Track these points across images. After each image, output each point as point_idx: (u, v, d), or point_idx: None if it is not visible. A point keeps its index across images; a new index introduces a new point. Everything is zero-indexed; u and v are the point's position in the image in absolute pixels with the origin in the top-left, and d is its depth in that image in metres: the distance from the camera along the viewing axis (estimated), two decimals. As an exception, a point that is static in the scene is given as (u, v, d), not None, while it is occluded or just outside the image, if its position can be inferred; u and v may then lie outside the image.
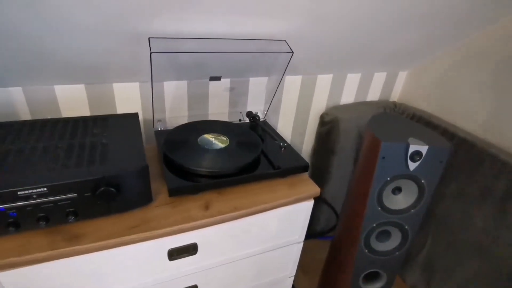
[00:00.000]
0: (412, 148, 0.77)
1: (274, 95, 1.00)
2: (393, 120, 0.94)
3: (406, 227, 0.88)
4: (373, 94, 1.43)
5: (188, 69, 0.96)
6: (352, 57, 1.18)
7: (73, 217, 0.57)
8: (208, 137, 0.82)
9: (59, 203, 0.56)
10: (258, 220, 0.74)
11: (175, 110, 1.05)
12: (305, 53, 1.07)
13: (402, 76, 1.45)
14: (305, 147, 1.42)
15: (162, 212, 0.66)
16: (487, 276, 1.09)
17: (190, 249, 0.69)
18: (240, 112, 1.04)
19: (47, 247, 0.55)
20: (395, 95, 1.50)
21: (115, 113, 0.97)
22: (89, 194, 0.57)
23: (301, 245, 0.88)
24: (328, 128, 1.31)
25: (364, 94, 1.41)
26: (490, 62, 1.11)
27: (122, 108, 0.97)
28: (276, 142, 0.80)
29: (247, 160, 0.75)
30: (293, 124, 1.32)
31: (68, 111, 0.91)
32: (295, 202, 0.76)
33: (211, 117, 1.12)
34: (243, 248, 0.78)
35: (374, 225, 0.88)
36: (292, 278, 0.95)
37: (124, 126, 0.76)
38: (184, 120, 1.08)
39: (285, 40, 0.85)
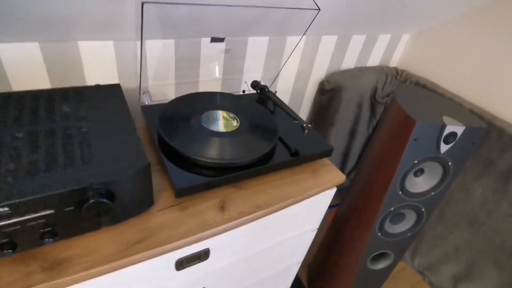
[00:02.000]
0: (448, 129, 0.69)
1: (287, 60, 0.84)
2: (418, 93, 0.84)
3: (423, 209, 0.84)
4: (374, 59, 1.32)
5: (179, 25, 0.75)
6: (364, 14, 1.03)
7: (51, 239, 0.41)
8: (216, 116, 0.66)
9: (28, 224, 0.40)
10: (280, 216, 0.63)
11: (160, 77, 0.85)
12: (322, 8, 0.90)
13: (404, 40, 1.34)
14: (302, 115, 1.30)
15: (170, 218, 0.52)
16: (478, 245, 1.13)
17: (202, 256, 0.57)
18: (245, 82, 0.87)
19: (19, 283, 0.40)
20: (394, 61, 1.40)
21: (83, 82, 0.76)
22: (72, 208, 0.41)
23: (315, 232, 0.80)
24: (328, 97, 1.19)
25: (365, 59, 1.29)
26: (499, 31, 1.03)
27: (92, 75, 0.75)
28: (296, 122, 0.66)
29: (266, 148, 0.61)
30: (291, 91, 1.17)
31: (18, 80, 0.68)
32: (321, 192, 0.66)
33: (202, 85, 0.94)
34: (258, 245, 0.68)
35: (392, 209, 0.82)
36: (300, 264, 0.89)
37: (105, 104, 0.57)
38: (171, 90, 0.90)
39: (308, -8, 0.67)
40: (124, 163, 0.45)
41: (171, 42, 0.81)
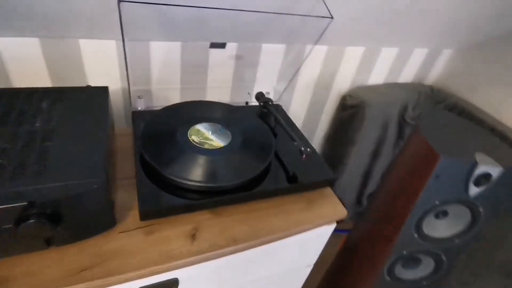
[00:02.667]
0: (481, 169, 0.57)
1: (297, 71, 0.76)
2: (450, 120, 0.71)
3: (443, 257, 0.71)
4: (407, 75, 1.19)
5: (183, 27, 0.71)
6: (396, 25, 0.92)
7: (-13, 257, 0.38)
8: (204, 130, 0.60)
9: (-40, 239, 0.36)
10: (263, 252, 0.55)
11: (165, 80, 0.81)
12: (339, 16, 0.81)
13: (445, 56, 1.19)
14: (319, 131, 1.20)
15: (131, 242, 0.46)
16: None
17: (169, 286, 0.51)
18: (248, 93, 0.81)
19: None
20: (431, 78, 1.25)
21: (84, 81, 0.73)
22: (10, 226, 0.37)
23: (310, 268, 0.71)
24: (350, 113, 1.09)
25: (396, 74, 1.16)
26: None
27: (93, 73, 0.73)
28: (296, 144, 0.58)
29: (255, 171, 0.54)
30: (309, 105, 1.08)
31: (18, 76, 0.67)
32: (315, 227, 0.57)
33: (210, 91, 0.88)
34: (240, 277, 0.60)
35: (405, 252, 0.70)
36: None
37: (85, 107, 0.53)
38: (176, 94, 0.85)
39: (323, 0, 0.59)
40: (78, 177, 0.40)
41: (177, 45, 0.76)
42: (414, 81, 1.22)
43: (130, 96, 0.65)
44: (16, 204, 0.35)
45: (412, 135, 0.67)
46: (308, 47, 0.91)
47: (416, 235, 0.67)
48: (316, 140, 1.22)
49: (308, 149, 0.56)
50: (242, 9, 0.59)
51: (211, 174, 0.52)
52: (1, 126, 0.45)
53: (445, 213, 0.67)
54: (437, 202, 0.61)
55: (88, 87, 0.62)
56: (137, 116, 0.65)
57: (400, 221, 0.65)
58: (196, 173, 0.51)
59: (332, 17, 0.57)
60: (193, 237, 0.49)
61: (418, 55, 1.12)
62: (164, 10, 0.64)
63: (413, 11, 0.87)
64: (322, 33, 0.61)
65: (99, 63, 0.72)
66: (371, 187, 1.33)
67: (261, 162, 0.56)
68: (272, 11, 0.63)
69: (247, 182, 0.53)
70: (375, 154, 1.22)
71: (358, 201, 1.40)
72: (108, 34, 0.69)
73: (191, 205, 0.50)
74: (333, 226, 0.61)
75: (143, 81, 0.77)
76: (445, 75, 1.21)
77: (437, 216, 0.67)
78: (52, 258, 0.42)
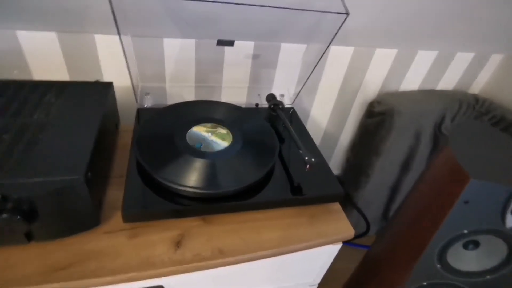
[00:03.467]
0: (522, 197, 0.47)
1: (311, 72, 0.70)
2: (488, 134, 0.61)
3: (472, 294, 0.61)
4: (447, 82, 1.06)
5: (196, 24, 0.68)
6: (435, 25, 0.82)
7: (-35, 247, 0.37)
8: (203, 130, 0.57)
9: None
10: (254, 267, 0.50)
11: (179, 78, 0.79)
12: (365, 14, 0.74)
13: (493, 62, 1.05)
14: (343, 138, 1.12)
15: (113, 244, 0.44)
16: None
17: (154, 292, 0.48)
18: (258, 95, 0.76)
19: None
20: (477, 86, 1.11)
21: (99, 75, 0.74)
22: (-14, 218, 0.36)
23: (315, 287, 0.65)
24: (377, 121, 1.00)
25: (434, 81, 1.05)
26: None
27: (107, 68, 0.73)
28: (301, 152, 0.53)
29: (253, 177, 0.50)
30: (332, 110, 1.01)
31: (38, 67, 0.69)
32: (315, 246, 0.51)
33: (225, 91, 0.86)
34: (233, 290, 0.56)
35: (425, 284, 0.61)
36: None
37: (84, 102, 0.52)
38: (190, 93, 0.84)
39: (340, -8, 0.53)
40: (57, 175, 0.39)
41: (191, 42, 0.75)
42: (456, 89, 1.09)
43: (134, 93, 0.64)
44: (-11, 197, 0.35)
45: (440, 149, 0.58)
46: (336, 48, 0.85)
47: (438, 265, 0.58)
48: (340, 148, 1.15)
49: (313, 159, 0.50)
50: (252, 3, 0.55)
51: (204, 179, 0.48)
52: (1, 116, 0.46)
53: (476, 244, 0.57)
54: (465, 231, 0.53)
55: (96, 82, 0.62)
56: (142, 113, 0.64)
57: (421, 246, 0.57)
58: (187, 177, 0.48)
59: (347, 13, 0.51)
60: (177, 244, 0.46)
61: (462, 60, 1.00)
62: (173, 5, 0.62)
63: (457, 8, 0.77)
64: (337, 31, 0.55)
65: (113, 59, 0.73)
66: (399, 202, 1.21)
67: (261, 168, 0.51)
68: (278, 6, 0.59)
69: (243, 190, 0.49)
70: (405, 167, 1.11)
71: (385, 215, 1.29)
72: (123, 29, 0.69)
73: (179, 211, 0.47)
74: (338, 246, 0.55)
75: (156, 78, 0.76)
76: (493, 83, 1.07)
77: (466, 246, 0.57)
78: (31, 254, 0.41)
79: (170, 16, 0.65)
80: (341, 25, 0.54)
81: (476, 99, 1.04)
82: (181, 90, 0.82)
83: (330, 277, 0.76)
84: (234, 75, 0.83)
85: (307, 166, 0.51)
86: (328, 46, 0.61)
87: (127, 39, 0.71)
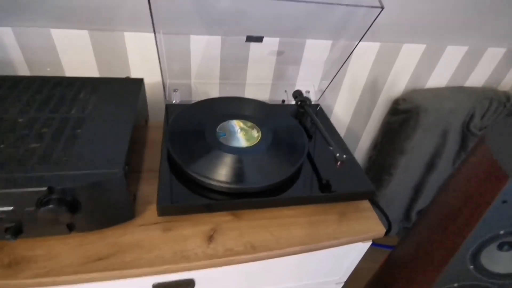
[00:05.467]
0: None
1: (339, 69, 0.70)
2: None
3: (506, 297, 0.59)
4: (477, 79, 1.03)
5: (223, 20, 0.69)
6: (465, 19, 0.79)
7: (11, 236, 0.39)
8: (233, 127, 0.57)
9: (-9, 216, 0.38)
10: (284, 262, 0.51)
11: (204, 75, 0.80)
12: (393, 8, 0.72)
13: (527, 57, 1.00)
14: (366, 136, 1.11)
15: (148, 237, 0.45)
16: None
17: (184, 285, 0.49)
18: (285, 91, 0.76)
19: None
20: (507, 83, 1.07)
21: (128, 71, 0.76)
22: (32, 208, 0.38)
23: (340, 286, 0.65)
24: (402, 119, 0.98)
25: (463, 77, 1.01)
26: None
27: (136, 65, 0.75)
28: (331, 149, 0.52)
29: (283, 174, 0.50)
30: (356, 107, 1.00)
31: (70, 63, 0.71)
32: (345, 244, 0.51)
33: (249, 88, 0.86)
34: (261, 285, 0.57)
35: (456, 285, 0.60)
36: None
37: (117, 98, 0.54)
38: (215, 89, 0.84)
39: (373, -14, 0.52)
40: (98, 168, 0.40)
41: (217, 39, 0.75)
42: (486, 86, 1.05)
43: (164, 89, 0.65)
44: (36, 189, 0.36)
45: (476, 146, 0.56)
46: (361, 43, 0.83)
47: (471, 267, 0.56)
48: (362, 146, 1.13)
49: (344, 156, 0.50)
50: (282, -1, 0.55)
51: (235, 175, 0.49)
52: (42, 111, 0.48)
53: (511, 245, 0.55)
54: (501, 232, 0.51)
55: (127, 78, 0.64)
56: (171, 109, 0.65)
57: (454, 247, 0.55)
58: (220, 172, 0.48)
59: (382, 7, 0.50)
60: (210, 238, 0.46)
61: (493, 56, 0.96)
62: (202, 2, 0.63)
63: (488, 2, 0.74)
64: (370, 26, 0.54)
65: (142, 56, 0.74)
66: (422, 202, 1.19)
67: (291, 165, 0.51)
68: (314, 1, 0.58)
69: (274, 186, 0.49)
70: (430, 166, 1.08)
71: (406, 216, 1.27)
72: (151, 27, 0.71)
73: (211, 206, 0.47)
74: (368, 244, 0.54)
75: (182, 75, 0.77)
76: (526, 80, 1.03)
77: (500, 247, 0.55)
78: (72, 244, 0.43)
79: (199, 13, 0.66)
80: (374, 19, 0.53)
81: (507, 96, 1.00)
82: (206, 87, 0.83)
83: (351, 276, 0.75)
84: (258, 72, 0.83)
85: (338, 163, 0.50)
86: (358, 42, 0.60)
87: (159, 36, 0.73)
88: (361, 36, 0.58)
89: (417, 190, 1.17)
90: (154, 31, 0.50)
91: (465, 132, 1.00)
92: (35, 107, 0.49)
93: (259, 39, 0.63)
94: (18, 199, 0.37)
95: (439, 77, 0.99)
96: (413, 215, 1.23)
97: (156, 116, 0.81)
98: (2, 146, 0.41)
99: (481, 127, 0.99)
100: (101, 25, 0.68)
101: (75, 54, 0.70)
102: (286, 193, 0.50)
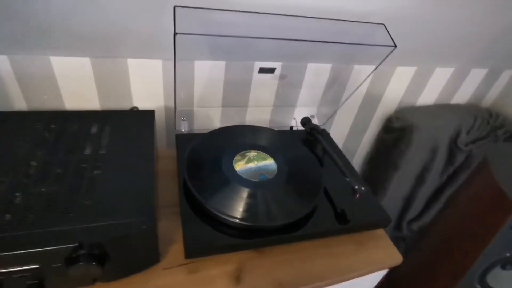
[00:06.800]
0: None
1: (351, 94, 0.71)
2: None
3: (507, 312, 0.63)
4: (461, 96, 1.09)
5: (228, 49, 0.69)
6: (455, 44, 0.84)
7: (36, 293, 0.37)
8: (249, 159, 0.57)
9: (14, 275, 0.35)
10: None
11: (206, 100, 0.79)
12: (399, 38, 0.76)
13: (505, 77, 1.08)
14: (360, 152, 1.14)
15: (173, 281, 0.44)
16: None
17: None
18: (294, 118, 0.77)
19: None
20: (488, 100, 1.15)
21: (129, 100, 0.73)
22: (60, 265, 0.36)
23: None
24: (395, 136, 1.02)
25: (449, 95, 1.07)
26: None
27: (138, 91, 0.73)
28: (348, 180, 0.54)
29: (305, 209, 0.50)
30: (351, 125, 1.03)
31: (70, 95, 0.68)
32: (366, 274, 0.52)
33: (250, 111, 0.86)
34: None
35: (462, 303, 0.63)
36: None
37: (131, 133, 0.52)
38: (217, 114, 0.84)
39: (384, 24, 0.55)
40: (127, 218, 0.38)
41: (221, 64, 0.75)
42: (469, 103, 1.12)
43: (175, 119, 0.64)
44: (65, 246, 0.34)
45: (479, 172, 0.60)
46: (356, 67, 0.86)
47: (478, 286, 0.59)
48: (356, 161, 1.16)
49: (363, 188, 0.51)
50: (291, 38, 0.56)
51: (258, 211, 0.49)
52: (55, 153, 0.45)
53: (513, 264, 0.59)
54: (508, 255, 0.54)
55: (134, 109, 0.62)
56: (180, 139, 0.64)
57: (462, 270, 0.58)
58: (242, 210, 0.48)
59: (395, 46, 0.52)
60: (237, 278, 0.46)
61: (476, 75, 1.03)
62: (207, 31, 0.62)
63: (475, 29, 0.79)
64: (382, 61, 0.57)
65: (145, 83, 0.72)
66: (412, 212, 1.24)
67: (310, 199, 0.52)
68: (324, 36, 0.60)
69: (295, 222, 0.50)
70: (420, 179, 1.13)
71: (398, 225, 1.31)
72: (155, 53, 0.69)
73: (236, 245, 0.47)
74: (384, 272, 0.56)
75: (186, 102, 0.76)
76: (505, 98, 1.10)
77: (504, 267, 0.59)
78: (96, 295, 0.41)
79: (207, 42, 0.65)
80: (386, 56, 0.55)
81: (489, 113, 1.07)
82: (208, 112, 0.82)
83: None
84: (260, 96, 0.83)
85: (357, 195, 0.52)
86: (372, 71, 0.62)
87: (165, 63, 0.71)
88: (375, 68, 0.60)
89: (408, 201, 1.21)
90: (174, 59, 0.49)
91: (453, 148, 1.05)
92: (48, 147, 0.46)
93: (271, 71, 0.63)
94: (44, 257, 0.35)
95: (428, 96, 1.04)
96: (404, 225, 1.28)
97: (160, 144, 0.80)
98: (17, 195, 0.39)
99: (467, 142, 1.05)
100: (104, 52, 0.66)
101: (75, 81, 0.67)
102: (307, 226, 0.51)
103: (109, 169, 0.44)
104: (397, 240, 1.31)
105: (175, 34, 0.42)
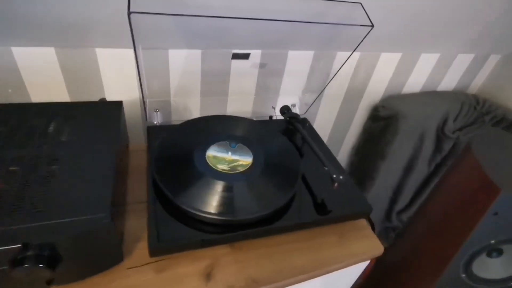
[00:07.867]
0: (552, 208, 0.47)
1: (329, 82, 0.69)
2: (505, 141, 0.61)
3: (495, 300, 0.61)
4: (448, 83, 1.08)
5: (203, 35, 0.65)
6: (439, 29, 0.82)
7: (-20, 300, 0.34)
8: (223, 151, 0.54)
9: (-48, 280, 0.32)
10: (287, 290, 0.48)
11: (184, 91, 0.76)
12: (374, 21, 0.73)
13: (491, 62, 1.07)
14: (347, 142, 1.12)
15: (139, 281, 0.41)
16: None
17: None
18: (273, 107, 0.74)
19: None
20: (475, 86, 1.13)
21: (101, 91, 0.70)
22: (5, 267, 0.33)
23: (338, 302, 0.64)
24: (382, 125, 1.00)
25: (436, 82, 1.06)
26: None
27: (111, 83, 0.69)
28: (326, 169, 0.51)
29: (281, 201, 0.47)
30: (337, 114, 1.00)
31: (36, 88, 0.64)
32: (348, 266, 0.50)
33: (231, 102, 0.83)
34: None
35: (449, 293, 0.61)
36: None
37: (95, 126, 0.49)
38: (196, 105, 0.80)
39: (361, 3, 0.52)
40: (81, 215, 0.35)
41: (197, 53, 0.71)
42: (456, 89, 1.10)
43: (145, 110, 0.61)
44: (8, 247, 0.31)
45: (463, 158, 0.58)
46: (339, 54, 0.83)
47: (464, 275, 0.58)
48: (343, 152, 1.14)
49: (341, 177, 0.49)
50: (268, 18, 0.53)
51: (231, 205, 0.46)
52: (8, 147, 0.42)
53: (499, 252, 0.57)
54: (492, 242, 0.52)
55: (102, 101, 0.58)
56: (152, 131, 0.60)
57: (446, 258, 0.56)
58: (214, 204, 0.45)
59: (372, 25, 0.49)
60: (208, 276, 0.43)
61: (462, 61, 1.01)
62: (182, 18, 0.59)
63: (459, 13, 0.77)
64: (360, 42, 0.54)
65: (116, 73, 0.68)
66: (401, 202, 1.22)
67: (287, 190, 0.49)
68: (302, 18, 0.57)
69: (271, 214, 0.47)
70: (408, 169, 1.12)
71: (387, 216, 1.30)
72: (126, 42, 0.65)
73: (207, 241, 0.44)
74: (366, 263, 0.54)
75: (161, 93, 0.73)
76: (491, 83, 1.09)
77: (489, 255, 0.57)
78: (53, 299, 0.38)
79: (179, 27, 0.62)
80: (364, 37, 0.52)
81: (476, 99, 1.06)
82: (186, 103, 0.79)
83: None
84: (240, 85, 0.80)
85: (335, 185, 0.49)
86: (350, 55, 0.59)
87: (138, 52, 0.67)
88: (353, 51, 0.58)
89: (397, 191, 1.20)
90: (134, 47, 0.46)
91: (440, 135, 1.04)
92: (0, 142, 0.43)
93: (245, 56, 0.60)
94: (-15, 259, 0.31)
95: (414, 83, 1.02)
96: (394, 216, 1.27)
97: (136, 138, 0.76)
98: (-40, 193, 0.35)
99: (454, 129, 1.04)
100: (70, 41, 0.62)
101: (41, 73, 0.63)
102: (284, 219, 0.48)
103: (67, 164, 0.41)
104: (387, 231, 1.30)
105: (129, 13, 0.38)
